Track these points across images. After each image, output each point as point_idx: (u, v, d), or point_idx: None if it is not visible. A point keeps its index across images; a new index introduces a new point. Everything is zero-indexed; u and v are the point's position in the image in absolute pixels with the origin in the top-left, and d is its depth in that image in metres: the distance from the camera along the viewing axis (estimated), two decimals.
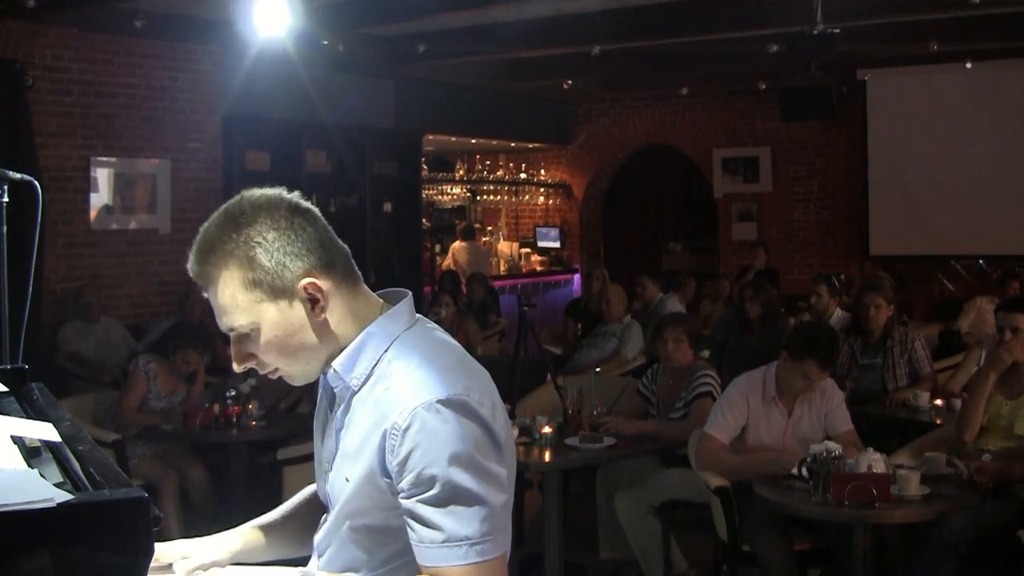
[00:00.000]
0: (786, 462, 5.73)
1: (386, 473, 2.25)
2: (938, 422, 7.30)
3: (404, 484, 2.21)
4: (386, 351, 2.33)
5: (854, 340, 8.27)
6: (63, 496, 1.57)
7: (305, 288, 2.26)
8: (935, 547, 5.54)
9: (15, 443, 2.07)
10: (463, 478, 2.18)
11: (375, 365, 2.33)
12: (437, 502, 2.19)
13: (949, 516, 5.43)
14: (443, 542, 2.20)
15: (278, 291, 2.25)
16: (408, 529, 2.25)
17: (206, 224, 2.30)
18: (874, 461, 5.35)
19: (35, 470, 1.84)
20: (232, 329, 2.29)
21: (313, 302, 2.28)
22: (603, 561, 7.39)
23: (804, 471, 5.49)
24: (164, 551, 2.55)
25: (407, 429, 2.19)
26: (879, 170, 15.13)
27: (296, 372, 2.37)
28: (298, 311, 2.27)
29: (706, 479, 6.00)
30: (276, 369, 2.35)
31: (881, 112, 15.04)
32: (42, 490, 1.62)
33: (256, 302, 2.25)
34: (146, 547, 1.61)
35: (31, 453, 2.07)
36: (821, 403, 6.21)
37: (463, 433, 2.19)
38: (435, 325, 2.47)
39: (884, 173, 15.09)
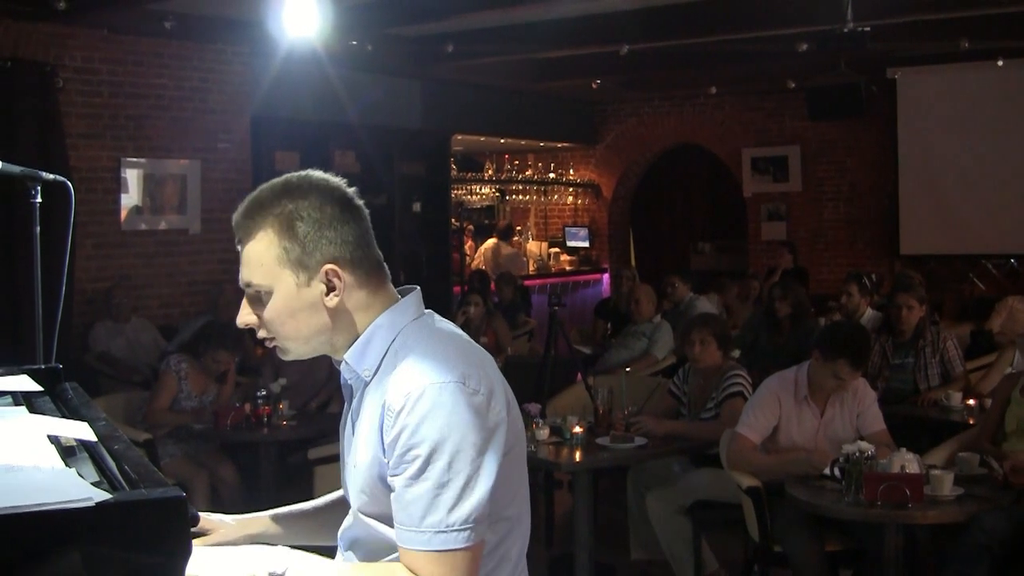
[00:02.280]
0: (818, 462, 5.71)
1: (384, 453, 2.29)
2: (970, 422, 7.25)
3: (391, 463, 2.26)
4: (392, 342, 2.39)
5: (885, 340, 8.24)
6: (101, 495, 1.57)
7: (326, 272, 2.34)
8: (968, 548, 5.50)
9: (51, 442, 2.07)
10: (441, 464, 2.21)
11: (383, 356, 2.38)
12: (412, 484, 2.22)
13: (982, 517, 5.39)
14: (410, 525, 2.24)
15: (302, 266, 2.33)
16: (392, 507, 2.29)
17: (264, 185, 2.42)
18: (907, 461, 5.33)
19: (72, 469, 1.85)
20: (249, 285, 2.38)
21: (330, 288, 2.35)
22: (633, 561, 7.38)
23: (836, 471, 5.47)
24: None
25: (400, 410, 2.23)
26: (909, 169, 15.04)
27: (291, 347, 2.45)
28: (314, 291, 2.35)
29: (738, 479, 5.99)
30: (273, 338, 2.43)
31: (911, 111, 14.94)
32: (80, 489, 1.62)
33: (279, 267, 2.34)
34: (183, 546, 1.61)
35: (66, 452, 2.07)
36: (853, 403, 6.18)
37: (451, 420, 2.22)
38: (441, 318, 2.52)
39: (914, 172, 15.00)
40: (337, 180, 2.43)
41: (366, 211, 2.44)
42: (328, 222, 2.34)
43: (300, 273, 2.33)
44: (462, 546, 2.23)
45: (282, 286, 2.34)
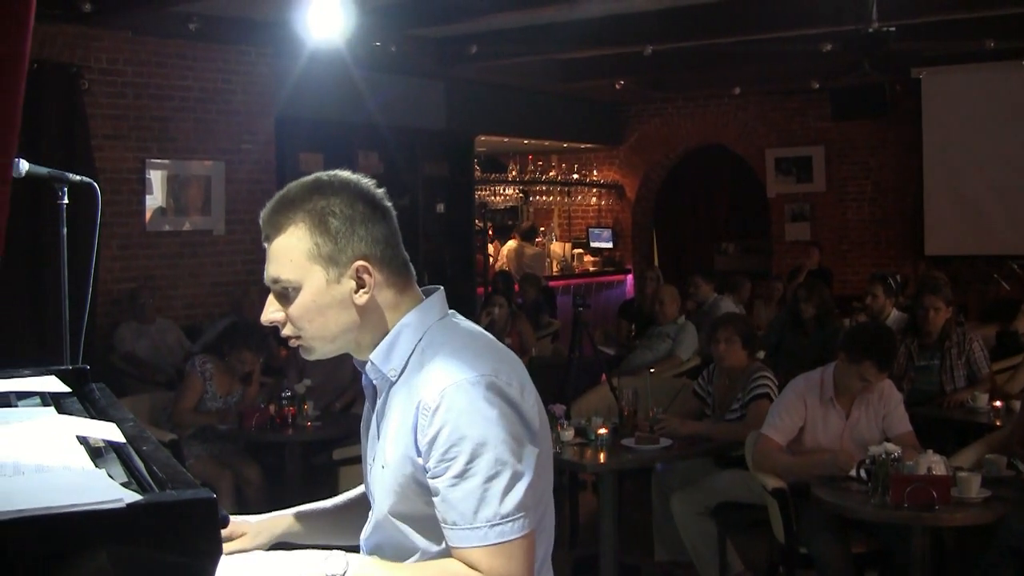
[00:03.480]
0: (844, 463, 5.69)
1: (418, 453, 2.28)
2: (997, 424, 7.22)
3: (431, 463, 2.25)
4: (419, 341, 2.39)
5: (911, 341, 8.20)
6: (132, 496, 1.57)
7: (357, 269, 2.33)
8: (995, 551, 5.49)
9: (80, 443, 2.07)
10: (488, 458, 2.22)
11: (410, 356, 2.38)
12: (459, 482, 2.23)
13: (1010, 520, 5.35)
14: (463, 523, 2.24)
15: (333, 262, 2.33)
16: (436, 510, 2.28)
17: (293, 183, 2.41)
18: (934, 463, 5.30)
19: (102, 470, 1.85)
20: (276, 281, 2.37)
21: (360, 285, 2.34)
22: (657, 563, 7.36)
23: (862, 473, 5.46)
24: None
25: (436, 408, 2.23)
26: (934, 169, 14.99)
27: (315, 345, 2.43)
28: (344, 287, 2.34)
29: (763, 480, 5.97)
30: (298, 337, 2.41)
31: (936, 111, 14.88)
32: (110, 490, 1.62)
33: (309, 262, 2.33)
34: (214, 547, 1.61)
35: (94, 453, 2.07)
36: (879, 404, 6.15)
37: (490, 413, 2.23)
38: (463, 318, 2.52)
39: (939, 172, 14.94)
40: (367, 180, 2.43)
41: (393, 212, 2.45)
42: (360, 219, 2.34)
43: (331, 269, 2.33)
44: (518, 535, 2.24)
45: (311, 282, 2.33)
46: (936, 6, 10.50)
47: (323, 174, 2.42)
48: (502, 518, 2.22)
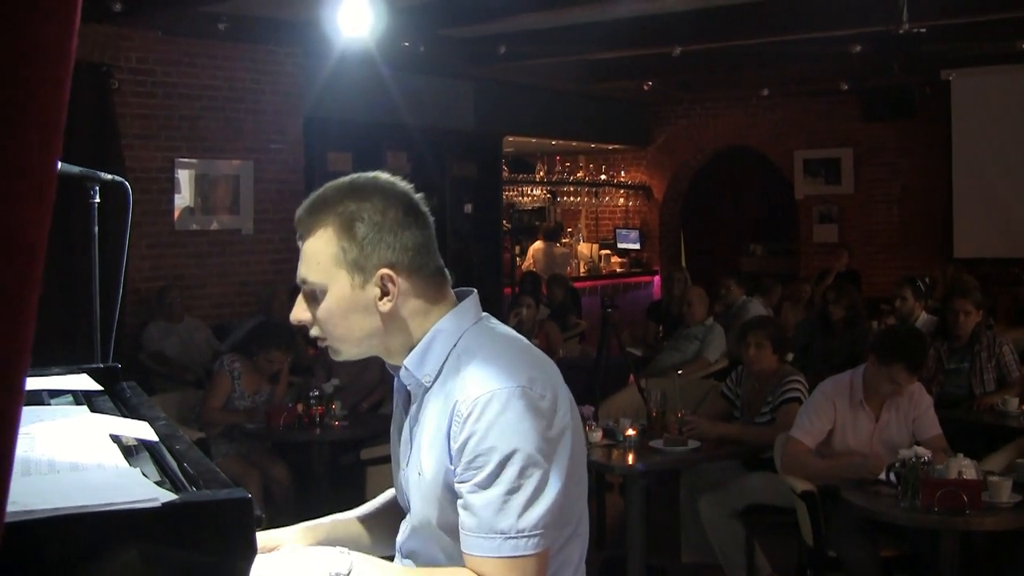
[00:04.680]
0: (873, 467, 5.67)
1: (451, 460, 2.27)
2: None
3: (459, 470, 2.24)
4: (454, 346, 2.37)
5: (940, 344, 8.16)
6: (167, 496, 1.57)
7: (382, 276, 2.31)
8: None
9: (113, 441, 2.07)
10: (513, 470, 2.20)
11: (444, 361, 2.36)
12: (481, 490, 2.21)
13: None
14: (479, 531, 2.23)
15: (358, 267, 2.32)
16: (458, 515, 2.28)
17: (331, 183, 2.40)
18: (964, 467, 5.27)
19: (136, 469, 1.85)
20: (304, 281, 2.37)
21: (384, 293, 2.33)
22: (685, 565, 7.34)
23: (892, 476, 5.43)
24: None
25: (468, 417, 2.22)
26: (963, 172, 14.90)
27: (342, 348, 2.43)
28: (368, 294, 2.33)
29: (792, 483, 5.95)
30: (325, 338, 2.41)
31: (965, 112, 14.80)
32: (145, 489, 1.62)
33: (335, 267, 2.32)
34: (248, 548, 1.60)
35: (126, 452, 2.07)
36: (909, 407, 6.11)
37: (521, 427, 2.21)
38: (498, 321, 2.50)
39: (968, 175, 14.86)
40: (404, 185, 2.41)
41: (431, 218, 2.43)
42: (389, 226, 2.32)
43: (356, 275, 2.32)
44: (532, 552, 2.22)
45: (337, 286, 2.33)
46: (966, 7, 10.44)
47: (360, 176, 2.40)
48: (518, 532, 2.20)
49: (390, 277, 2.32)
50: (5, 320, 0.98)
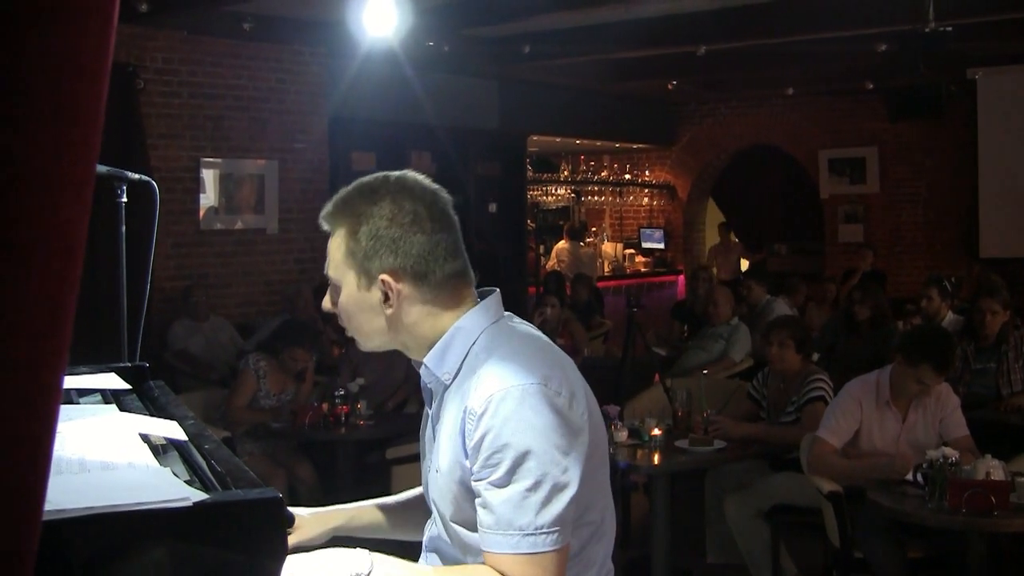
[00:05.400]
0: (900, 467, 5.64)
1: (466, 457, 2.28)
2: None
3: (476, 467, 2.24)
4: (473, 344, 2.37)
5: (967, 344, 8.13)
6: (198, 495, 1.57)
7: (382, 281, 2.34)
8: None
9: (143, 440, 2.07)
10: (529, 467, 2.20)
11: (464, 359, 2.37)
12: (498, 487, 2.21)
13: None
14: (497, 528, 2.23)
15: (362, 270, 2.36)
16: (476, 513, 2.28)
17: (357, 182, 2.43)
18: (992, 468, 5.24)
19: (167, 468, 1.85)
20: (326, 275, 2.44)
21: (385, 297, 2.35)
22: (710, 565, 7.32)
23: (919, 477, 5.40)
24: None
25: (483, 414, 2.22)
26: (989, 171, 14.82)
27: (361, 340, 2.49)
28: (372, 296, 2.36)
29: (818, 484, 5.93)
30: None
31: (992, 112, 14.72)
32: (177, 489, 1.62)
33: (346, 266, 2.38)
34: (279, 548, 1.61)
35: (154, 450, 2.07)
36: (936, 408, 6.07)
37: (536, 423, 2.21)
38: (520, 320, 2.51)
39: (995, 174, 14.78)
40: (426, 187, 2.41)
41: (454, 219, 2.42)
42: (394, 233, 2.33)
43: (361, 276, 2.36)
44: (550, 548, 2.21)
45: (347, 284, 2.38)
46: (993, 6, 10.39)
47: (379, 176, 2.41)
48: (536, 529, 2.20)
49: (389, 283, 2.34)
50: (44, 320, 0.98)
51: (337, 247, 2.37)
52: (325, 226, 2.42)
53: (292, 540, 2.63)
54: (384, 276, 2.33)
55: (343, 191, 2.41)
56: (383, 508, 2.85)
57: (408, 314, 2.37)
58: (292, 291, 10.62)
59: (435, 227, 2.36)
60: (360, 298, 2.37)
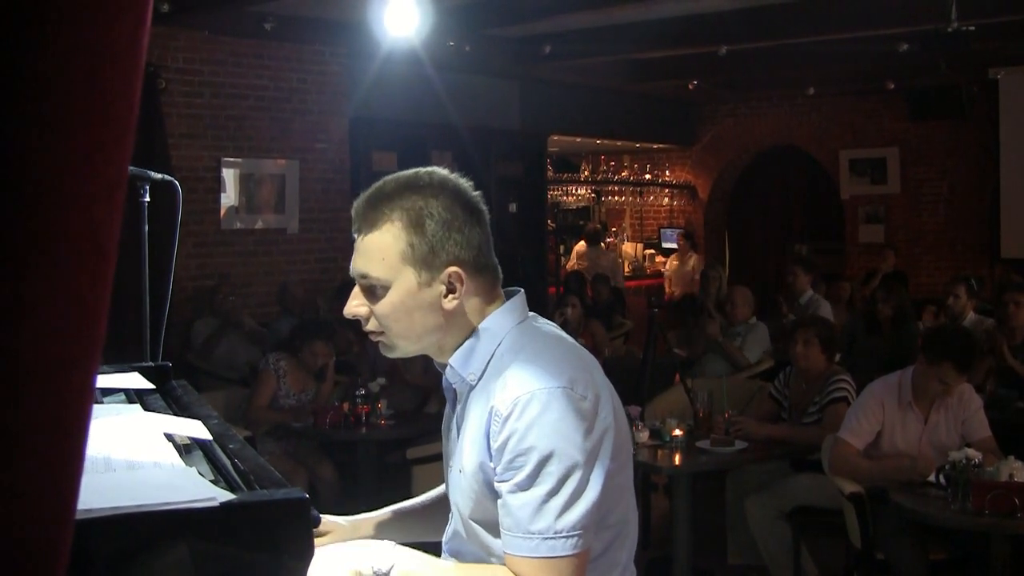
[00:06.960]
0: (922, 469, 5.63)
1: (490, 458, 2.27)
2: None
3: (499, 469, 2.24)
4: (499, 345, 2.36)
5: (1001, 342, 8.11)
6: (225, 495, 1.57)
7: (450, 275, 2.30)
8: None
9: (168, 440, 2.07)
10: (552, 471, 2.19)
11: (489, 360, 2.36)
12: (520, 490, 2.20)
13: None
14: (517, 531, 2.22)
15: (426, 265, 2.29)
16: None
17: (389, 177, 2.38)
18: (1015, 469, 5.22)
19: (193, 468, 1.85)
20: (365, 276, 2.33)
21: (450, 290, 2.31)
22: (731, 566, 7.31)
23: (941, 478, 5.39)
24: None
25: (508, 416, 2.21)
26: (1012, 171, 14.74)
27: (399, 344, 2.40)
28: (433, 291, 2.31)
29: (840, 485, 5.91)
30: (381, 333, 2.38)
31: (1014, 112, 14.63)
32: (203, 489, 1.62)
33: (402, 263, 2.29)
34: (305, 548, 1.61)
35: (179, 450, 2.08)
36: (959, 408, 6.04)
37: (560, 427, 2.20)
38: (545, 320, 2.50)
39: (1016, 174, 14.69)
40: (465, 182, 2.40)
41: (488, 216, 2.42)
42: (457, 224, 2.30)
43: (423, 272, 2.29)
44: (569, 553, 2.21)
45: (402, 282, 2.30)
46: (1016, 5, 10.34)
47: (422, 171, 2.38)
48: (555, 533, 2.19)
49: (458, 275, 2.31)
50: (78, 321, 0.98)
51: (390, 243, 2.29)
52: (364, 226, 2.33)
53: (322, 543, 2.61)
54: (452, 268, 2.30)
55: (379, 186, 2.36)
56: (413, 511, 2.85)
57: (466, 307, 2.35)
58: (313, 291, 10.65)
59: (481, 220, 2.37)
60: (419, 295, 2.31)
